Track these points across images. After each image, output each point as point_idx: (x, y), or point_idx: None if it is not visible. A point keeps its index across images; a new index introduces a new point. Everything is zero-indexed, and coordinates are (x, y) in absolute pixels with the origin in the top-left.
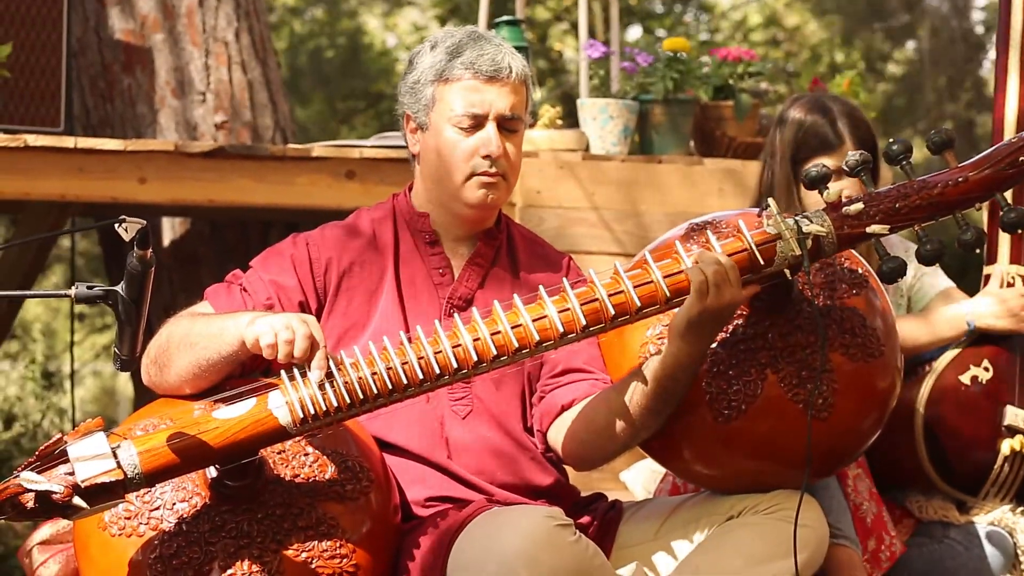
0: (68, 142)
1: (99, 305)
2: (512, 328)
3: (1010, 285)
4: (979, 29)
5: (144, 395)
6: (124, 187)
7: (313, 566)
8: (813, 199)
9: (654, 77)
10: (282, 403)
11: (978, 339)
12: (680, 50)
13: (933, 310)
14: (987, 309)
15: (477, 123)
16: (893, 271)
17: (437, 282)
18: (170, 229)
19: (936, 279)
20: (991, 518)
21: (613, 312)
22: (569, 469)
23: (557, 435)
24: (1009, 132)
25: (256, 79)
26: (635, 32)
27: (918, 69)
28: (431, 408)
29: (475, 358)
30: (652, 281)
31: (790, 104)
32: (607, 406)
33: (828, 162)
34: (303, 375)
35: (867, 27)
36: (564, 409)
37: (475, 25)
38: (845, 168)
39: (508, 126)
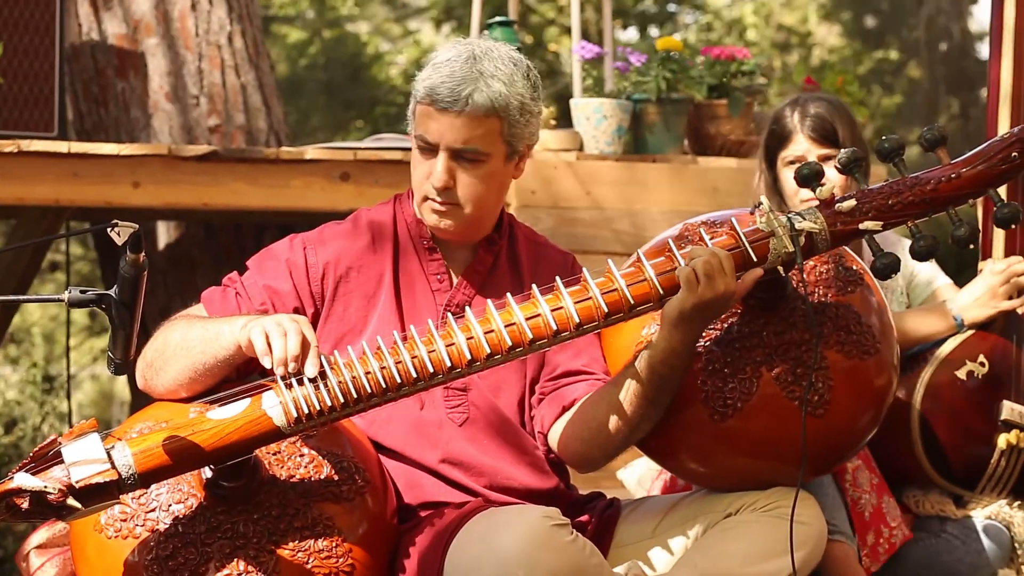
0: (62, 147)
1: (94, 309)
2: (505, 327)
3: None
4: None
5: (141, 399)
6: (118, 191)
7: (309, 566)
8: (797, 196)
9: (647, 77)
10: (276, 403)
11: (974, 334)
12: (673, 49)
13: (926, 305)
14: (969, 300)
15: (431, 149)
16: (887, 267)
17: (435, 288)
18: (165, 233)
19: (932, 274)
20: (988, 512)
21: (607, 310)
22: (571, 472)
23: (559, 436)
24: (1003, 123)
25: (250, 82)
26: (632, 35)
27: (925, 83)
28: (427, 415)
29: (468, 356)
30: (645, 279)
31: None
32: (606, 401)
33: (787, 155)
34: (296, 375)
35: (878, 42)
36: (565, 410)
37: (467, 33)
38: (837, 166)
39: (466, 157)
